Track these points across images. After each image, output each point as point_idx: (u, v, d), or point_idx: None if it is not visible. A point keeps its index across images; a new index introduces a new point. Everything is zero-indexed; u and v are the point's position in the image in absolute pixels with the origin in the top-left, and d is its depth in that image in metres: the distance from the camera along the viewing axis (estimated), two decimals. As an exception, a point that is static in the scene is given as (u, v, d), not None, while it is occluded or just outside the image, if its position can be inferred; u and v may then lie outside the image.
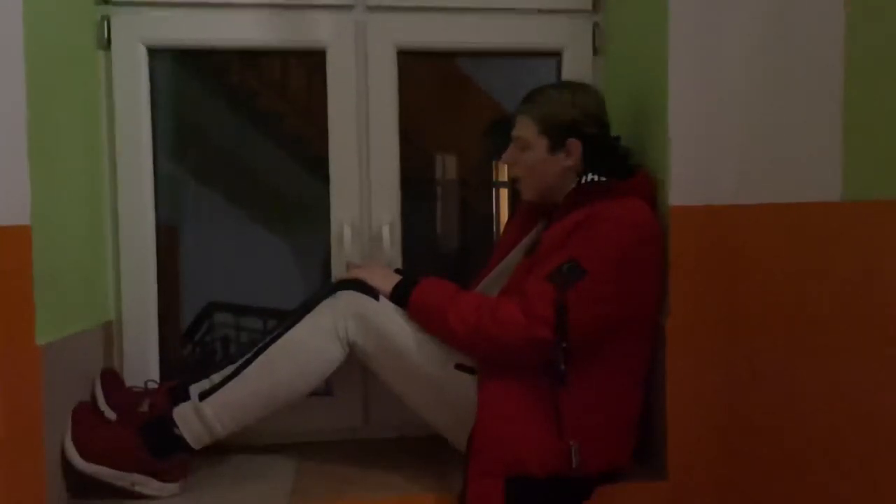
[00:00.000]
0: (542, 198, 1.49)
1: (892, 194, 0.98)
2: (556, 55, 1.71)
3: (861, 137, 1.05)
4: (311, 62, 1.68)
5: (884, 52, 1.01)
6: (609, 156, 1.44)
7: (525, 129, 1.45)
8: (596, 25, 1.68)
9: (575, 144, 1.41)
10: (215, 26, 1.58)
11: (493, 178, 2.23)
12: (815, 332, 1.14)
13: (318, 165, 1.65)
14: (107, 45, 1.54)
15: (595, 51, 1.69)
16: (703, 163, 1.37)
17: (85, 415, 1.34)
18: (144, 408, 1.38)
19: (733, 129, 1.34)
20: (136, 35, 1.55)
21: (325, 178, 1.64)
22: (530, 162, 1.45)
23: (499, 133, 1.56)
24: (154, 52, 1.59)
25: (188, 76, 1.89)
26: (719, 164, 1.35)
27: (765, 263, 1.26)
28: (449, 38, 1.67)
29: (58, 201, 1.32)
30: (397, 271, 1.47)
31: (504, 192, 2.17)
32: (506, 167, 1.56)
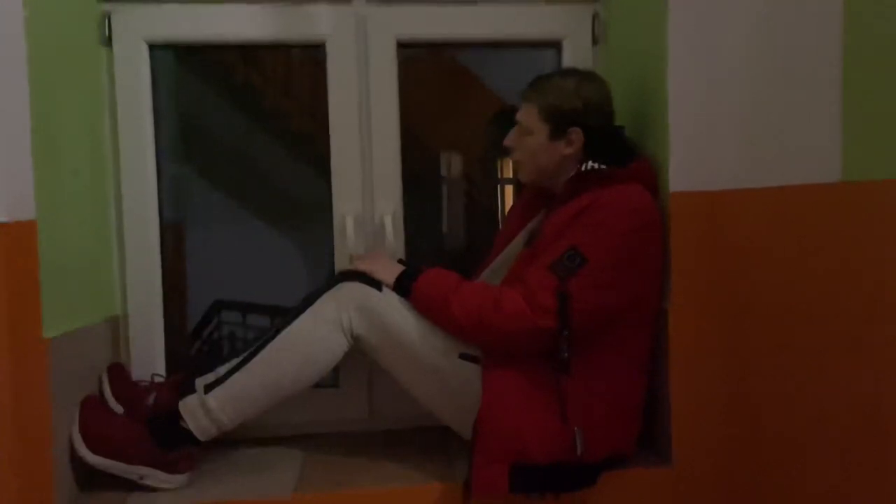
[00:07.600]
0: (539, 181, 1.49)
1: (890, 174, 0.98)
2: (556, 45, 1.71)
3: (860, 119, 1.05)
4: (315, 60, 1.68)
5: (882, 36, 1.01)
6: (611, 145, 1.44)
7: (528, 115, 1.45)
8: (595, 15, 1.68)
9: (577, 134, 1.41)
10: (215, 21, 1.59)
11: (498, 176, 2.23)
12: (818, 315, 1.13)
13: (323, 163, 1.65)
14: (108, 41, 1.55)
15: (595, 40, 1.69)
16: (702, 149, 1.37)
17: (93, 408, 1.35)
18: (151, 401, 1.39)
19: (732, 114, 1.34)
20: (136, 31, 1.56)
21: (330, 176, 1.64)
22: (530, 147, 1.45)
23: (504, 123, 1.56)
24: (156, 49, 1.60)
25: (192, 74, 1.89)
26: (719, 150, 1.35)
27: (766, 247, 1.26)
28: (449, 30, 1.67)
29: (63, 197, 1.33)
30: (400, 262, 1.48)
31: (508, 189, 2.17)
32: (510, 163, 1.56)
